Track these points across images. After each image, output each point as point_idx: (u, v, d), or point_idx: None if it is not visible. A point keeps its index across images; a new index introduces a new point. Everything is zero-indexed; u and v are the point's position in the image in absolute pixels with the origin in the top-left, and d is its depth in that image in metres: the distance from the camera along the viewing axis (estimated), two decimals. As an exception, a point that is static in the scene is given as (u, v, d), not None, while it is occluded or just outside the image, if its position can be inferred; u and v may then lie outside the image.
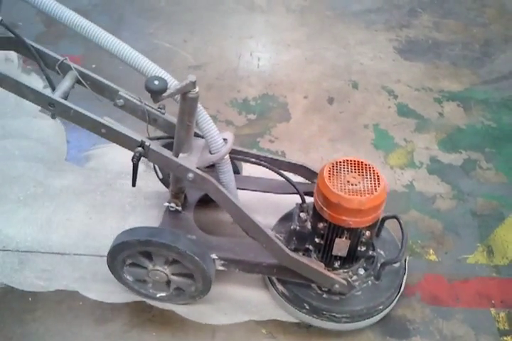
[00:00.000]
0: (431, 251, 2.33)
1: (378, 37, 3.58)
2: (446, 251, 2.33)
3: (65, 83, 1.70)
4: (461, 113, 3.05)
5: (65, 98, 1.65)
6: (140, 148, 1.65)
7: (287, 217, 2.11)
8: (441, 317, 2.10)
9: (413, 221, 2.44)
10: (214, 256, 1.90)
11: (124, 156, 2.60)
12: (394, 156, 2.75)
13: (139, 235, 1.81)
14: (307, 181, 2.04)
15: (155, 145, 1.68)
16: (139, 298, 2.07)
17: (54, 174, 2.52)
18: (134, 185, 1.85)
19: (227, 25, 3.60)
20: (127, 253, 1.86)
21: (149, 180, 2.51)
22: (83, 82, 1.74)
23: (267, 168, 1.91)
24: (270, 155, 1.99)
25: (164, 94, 1.48)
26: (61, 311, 2.04)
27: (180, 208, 2.01)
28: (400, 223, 1.95)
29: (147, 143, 1.65)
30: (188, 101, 1.57)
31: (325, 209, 1.71)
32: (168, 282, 1.96)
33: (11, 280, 2.11)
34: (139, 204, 2.40)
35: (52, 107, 1.62)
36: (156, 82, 1.46)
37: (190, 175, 1.69)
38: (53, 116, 1.70)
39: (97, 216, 2.35)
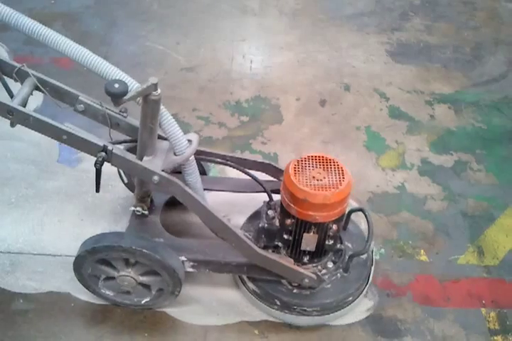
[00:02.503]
0: (422, 251, 2.34)
1: (370, 40, 3.61)
2: (437, 251, 2.35)
3: (24, 90, 1.65)
4: (452, 115, 3.07)
5: (24, 105, 1.62)
6: (103, 153, 1.62)
7: (255, 216, 2.11)
8: (432, 317, 2.11)
9: (404, 222, 2.45)
10: (183, 257, 1.89)
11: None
12: (385, 158, 2.77)
13: (85, 245, 1.81)
14: (274, 179, 2.04)
15: (118, 150, 1.65)
16: (130, 299, 2.07)
17: (46, 176, 2.52)
18: (97, 190, 1.82)
19: (219, 28, 3.61)
20: (86, 267, 1.84)
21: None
22: (42, 88, 1.69)
23: (233, 167, 1.91)
24: (237, 155, 1.99)
25: (125, 97, 1.44)
26: (53, 313, 2.04)
27: (146, 212, 1.98)
28: (365, 215, 1.96)
29: (110, 148, 1.62)
30: (150, 103, 1.54)
31: (292, 205, 1.73)
32: (145, 285, 1.95)
33: (3, 282, 2.11)
34: (131, 205, 2.39)
35: (11, 115, 1.58)
36: (116, 85, 1.42)
37: (156, 177, 1.67)
38: (12, 125, 1.66)
39: (88, 217, 2.35)
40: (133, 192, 2.22)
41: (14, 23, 1.55)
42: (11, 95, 1.65)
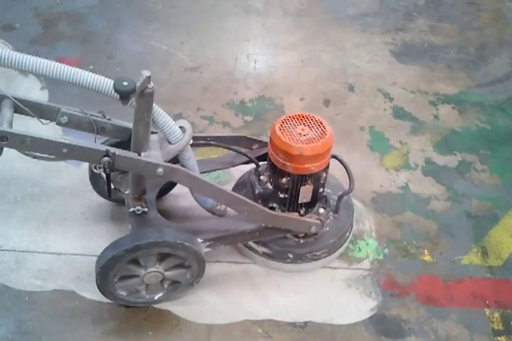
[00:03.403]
0: (426, 251, 2.34)
1: (374, 40, 3.61)
2: (440, 251, 2.35)
3: (6, 113, 1.61)
4: (456, 115, 3.07)
5: (11, 128, 1.58)
6: (107, 158, 1.63)
7: (238, 187, 2.29)
8: (435, 317, 2.11)
9: (408, 222, 2.45)
10: (199, 240, 1.94)
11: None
12: (389, 158, 2.77)
13: (123, 245, 1.81)
14: (248, 149, 2.18)
15: (120, 151, 1.66)
16: (135, 298, 2.08)
17: (51, 175, 2.53)
18: (109, 195, 1.89)
19: (224, 28, 3.62)
20: (118, 268, 1.84)
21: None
22: (23, 107, 1.65)
23: (217, 145, 2.05)
24: (214, 134, 2.10)
25: (133, 95, 1.47)
26: (58, 311, 2.04)
27: (146, 209, 2.00)
28: (339, 160, 2.14)
29: (112, 151, 1.63)
30: (145, 97, 1.56)
31: (288, 163, 1.86)
32: (162, 280, 1.97)
33: (8, 280, 2.11)
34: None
35: (5, 141, 1.52)
36: (125, 83, 1.45)
37: (160, 169, 1.70)
38: (0, 152, 1.60)
39: (93, 216, 2.36)
40: (110, 200, 2.32)
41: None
42: None
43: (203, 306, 2.08)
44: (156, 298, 2.02)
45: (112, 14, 3.61)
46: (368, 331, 2.05)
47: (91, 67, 3.07)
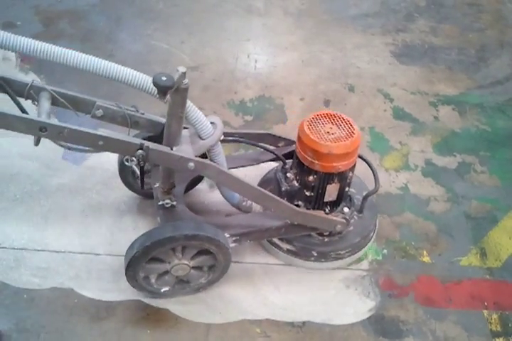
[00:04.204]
0: (424, 252, 2.34)
1: (375, 41, 3.61)
2: (439, 253, 2.35)
3: (44, 105, 1.64)
4: (456, 117, 3.07)
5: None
6: (141, 151, 1.66)
7: (263, 184, 2.30)
8: (434, 318, 2.11)
9: (407, 223, 2.45)
10: (226, 234, 1.97)
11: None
12: (389, 159, 2.77)
13: (185, 229, 1.83)
14: (273, 147, 2.20)
15: (153, 145, 1.69)
16: (133, 297, 2.08)
17: (50, 172, 2.53)
18: (142, 187, 1.93)
19: (224, 28, 3.62)
20: (163, 249, 1.86)
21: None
22: (61, 99, 1.69)
23: (244, 142, 2.05)
24: (241, 131, 2.14)
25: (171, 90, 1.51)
26: (56, 309, 2.04)
27: (175, 203, 2.03)
28: (364, 160, 2.14)
29: (146, 144, 1.66)
30: (180, 92, 1.59)
31: (316, 161, 1.88)
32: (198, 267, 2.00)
33: (7, 278, 2.11)
34: (135, 203, 2.41)
35: (44, 132, 1.56)
36: (164, 78, 1.48)
37: (191, 164, 1.73)
38: (37, 143, 1.66)
39: (92, 214, 2.36)
40: (134, 191, 2.32)
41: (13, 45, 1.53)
42: (26, 113, 1.61)
43: (201, 305, 2.08)
44: (162, 290, 2.03)
45: (113, 13, 3.61)
46: (366, 331, 2.05)
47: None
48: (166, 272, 1.96)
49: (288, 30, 3.67)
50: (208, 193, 2.44)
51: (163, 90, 1.49)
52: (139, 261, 1.85)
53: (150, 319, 2.03)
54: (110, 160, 2.61)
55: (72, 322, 2.01)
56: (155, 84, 1.47)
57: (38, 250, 2.21)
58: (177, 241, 1.83)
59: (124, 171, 2.21)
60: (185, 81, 1.56)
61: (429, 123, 3.01)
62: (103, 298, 2.07)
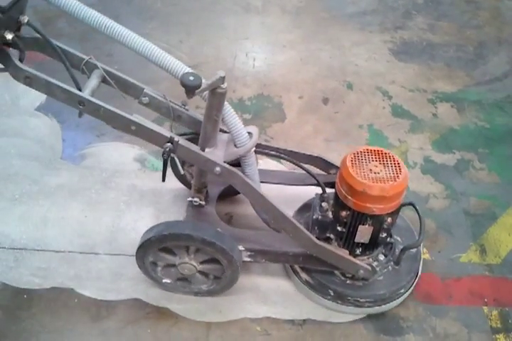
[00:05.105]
0: (424, 249, 2.34)
1: (373, 38, 3.61)
2: (439, 250, 2.35)
3: (92, 82, 1.69)
4: (455, 114, 3.07)
5: (92, 96, 1.66)
6: (169, 144, 1.67)
7: (304, 209, 2.18)
8: (434, 315, 2.11)
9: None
10: (241, 247, 1.94)
11: (119, 155, 2.66)
12: (388, 156, 2.77)
13: (205, 234, 1.82)
14: (323, 172, 2.10)
15: (183, 141, 1.70)
16: (133, 296, 2.08)
17: (49, 172, 2.52)
18: (163, 180, 1.89)
19: (223, 26, 3.62)
20: (178, 244, 1.86)
21: (144, 178, 2.54)
22: (109, 80, 1.73)
23: (288, 160, 1.96)
24: (289, 148, 2.03)
25: (197, 90, 1.51)
26: (56, 308, 2.04)
27: (203, 202, 2.04)
28: (416, 209, 2.00)
29: (176, 139, 1.67)
30: (216, 96, 1.61)
31: (349, 197, 1.76)
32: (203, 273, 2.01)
33: (6, 278, 2.11)
34: (134, 202, 2.41)
35: (82, 106, 1.61)
36: (191, 78, 1.49)
37: (218, 169, 1.73)
38: (81, 115, 1.71)
39: (91, 214, 2.36)
40: (185, 185, 2.32)
41: (82, 16, 1.66)
42: (78, 87, 1.66)
43: (201, 304, 2.08)
44: (163, 280, 2.04)
45: (111, 12, 3.60)
46: (366, 329, 2.06)
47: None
48: (174, 265, 1.96)
49: (286, 28, 3.67)
50: (244, 204, 2.40)
51: (190, 90, 1.50)
52: (152, 246, 1.86)
53: (150, 318, 2.03)
54: (109, 159, 2.62)
55: (73, 322, 2.01)
56: (182, 83, 1.50)
57: (38, 250, 2.21)
58: (193, 241, 1.82)
59: (175, 164, 2.20)
60: (224, 85, 1.57)
61: (428, 121, 3.01)
62: (103, 298, 2.08)
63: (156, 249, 1.88)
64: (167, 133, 1.67)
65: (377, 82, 3.24)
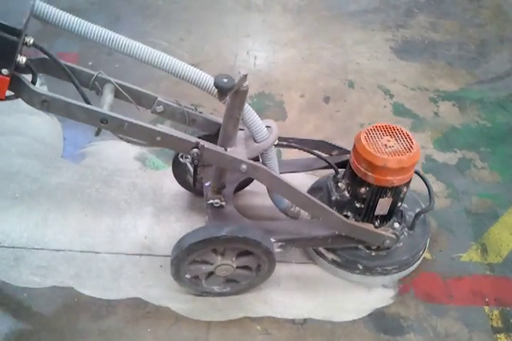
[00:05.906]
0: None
1: (375, 37, 3.60)
2: (440, 249, 2.34)
3: (108, 97, 1.67)
4: (457, 112, 3.06)
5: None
6: (196, 149, 1.67)
7: (313, 191, 2.24)
8: (435, 315, 2.11)
9: (408, 219, 2.45)
10: (272, 239, 1.96)
11: (120, 154, 2.66)
12: (389, 155, 2.76)
13: (259, 237, 1.85)
14: (327, 155, 2.16)
15: (208, 144, 1.70)
16: (134, 295, 2.08)
17: (50, 171, 2.52)
18: (194, 185, 1.94)
19: (224, 24, 3.61)
20: (226, 246, 1.88)
21: (145, 177, 2.53)
22: (124, 93, 1.72)
23: (298, 148, 2.01)
24: (297, 137, 2.07)
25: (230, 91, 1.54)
26: (56, 307, 2.04)
27: (224, 203, 2.04)
28: (420, 176, 2.13)
29: (202, 143, 1.67)
30: (239, 94, 1.62)
31: (370, 173, 1.83)
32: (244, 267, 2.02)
33: (6, 276, 2.11)
34: (135, 201, 2.41)
35: (105, 123, 1.58)
36: (225, 80, 1.50)
37: (244, 166, 1.74)
38: (98, 133, 1.69)
39: (92, 213, 2.35)
40: (186, 188, 2.36)
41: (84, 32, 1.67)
42: (89, 103, 1.62)
43: (202, 303, 2.08)
44: (215, 290, 2.07)
45: (112, 10, 3.60)
46: (367, 328, 2.05)
47: (90, 63, 3.06)
48: (212, 273, 1.97)
49: (287, 26, 3.66)
50: (255, 195, 2.41)
51: (223, 91, 1.51)
52: (183, 261, 1.87)
53: (150, 317, 2.03)
54: (109, 158, 2.62)
55: (73, 321, 2.00)
56: (216, 85, 1.50)
57: (38, 249, 2.21)
58: (247, 244, 1.84)
59: (177, 167, 2.23)
60: (246, 83, 1.59)
61: (430, 119, 3.00)
62: (103, 297, 2.07)
63: (187, 263, 1.89)
64: (193, 139, 1.67)
65: (378, 80, 3.23)
